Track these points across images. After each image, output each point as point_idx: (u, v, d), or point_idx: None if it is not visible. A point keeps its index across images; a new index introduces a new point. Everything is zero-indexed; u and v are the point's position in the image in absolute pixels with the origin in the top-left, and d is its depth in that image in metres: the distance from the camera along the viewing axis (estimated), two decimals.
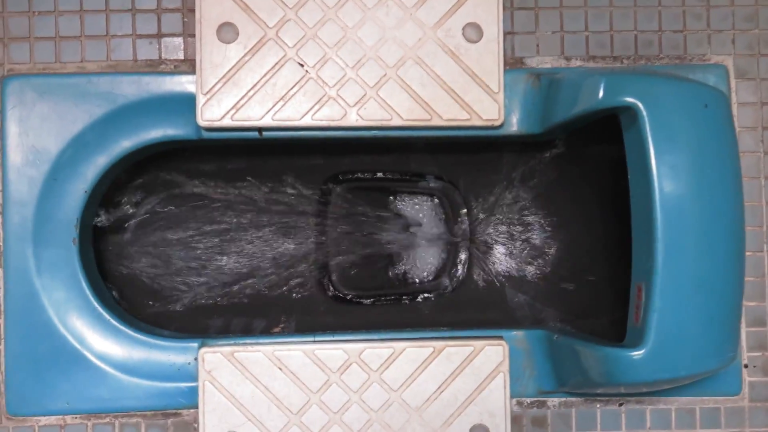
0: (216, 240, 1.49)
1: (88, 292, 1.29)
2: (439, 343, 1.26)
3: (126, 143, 1.27)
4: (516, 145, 1.45)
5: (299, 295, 1.49)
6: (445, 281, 1.51)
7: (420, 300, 1.50)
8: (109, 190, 1.39)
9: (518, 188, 1.50)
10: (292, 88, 1.22)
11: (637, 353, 1.09)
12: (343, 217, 1.51)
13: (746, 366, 1.30)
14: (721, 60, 1.32)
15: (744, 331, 1.32)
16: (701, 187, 1.09)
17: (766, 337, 1.33)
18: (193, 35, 1.27)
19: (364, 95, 1.23)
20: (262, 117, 1.22)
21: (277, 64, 1.23)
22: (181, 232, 1.48)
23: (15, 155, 1.25)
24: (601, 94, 1.11)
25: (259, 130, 1.24)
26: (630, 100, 1.09)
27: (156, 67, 1.28)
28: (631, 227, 1.15)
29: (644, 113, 1.08)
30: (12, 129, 1.25)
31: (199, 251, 1.48)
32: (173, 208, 1.48)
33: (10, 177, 1.25)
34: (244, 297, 1.48)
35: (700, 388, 1.29)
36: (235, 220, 1.49)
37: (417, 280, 1.53)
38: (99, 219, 1.41)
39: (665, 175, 1.08)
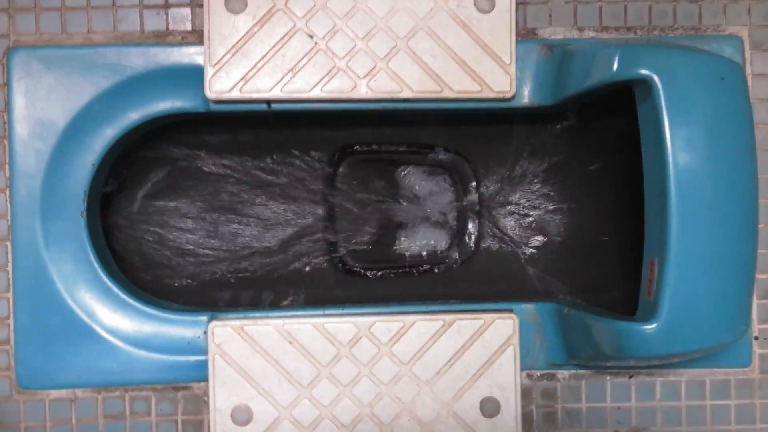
0: (223, 213, 1.49)
1: (96, 265, 1.29)
2: (449, 317, 1.26)
3: (133, 115, 1.27)
4: (527, 118, 1.44)
5: (308, 268, 1.50)
6: (455, 254, 1.52)
7: (429, 273, 1.50)
8: (116, 162, 1.39)
9: (529, 161, 1.50)
10: (301, 60, 1.22)
11: (649, 327, 1.09)
12: (353, 190, 1.52)
13: (756, 338, 1.30)
14: (737, 31, 1.30)
15: (755, 303, 1.31)
16: (716, 160, 1.09)
17: None
18: (201, 5, 1.26)
19: (374, 67, 1.23)
20: (271, 89, 1.22)
21: (286, 35, 1.22)
22: (189, 205, 1.48)
23: (22, 128, 1.24)
24: (615, 66, 1.11)
25: (268, 102, 1.23)
26: (645, 72, 1.08)
27: (163, 38, 1.27)
28: (644, 201, 1.15)
29: (659, 86, 1.08)
30: (18, 101, 1.24)
31: (207, 225, 1.49)
32: (181, 181, 1.48)
33: (17, 149, 1.25)
34: (253, 270, 1.49)
35: (710, 361, 1.30)
36: (242, 193, 1.50)
37: (426, 253, 1.53)
38: (107, 187, 1.41)
39: (680, 149, 1.07)
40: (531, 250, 1.51)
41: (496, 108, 1.27)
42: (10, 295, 1.27)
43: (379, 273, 1.49)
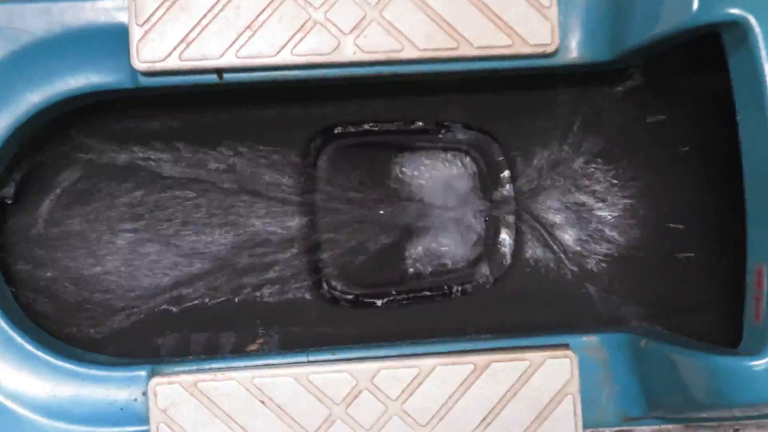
0: (164, 226, 1.50)
1: None
2: (481, 358, 1.27)
3: (34, 98, 1.27)
4: (576, 79, 1.45)
5: (282, 297, 1.50)
6: (484, 270, 1.52)
7: (451, 298, 1.51)
8: (12, 162, 1.40)
9: (580, 138, 1.50)
10: (262, 13, 1.22)
11: (759, 363, 1.09)
12: (339, 187, 1.52)
13: None
14: None
15: None
16: None
17: None
18: None
19: (364, 18, 1.23)
20: (223, 54, 1.22)
21: None
22: (116, 216, 1.49)
23: None
24: (695, 5, 1.11)
25: (219, 72, 1.24)
26: (736, 12, 1.08)
27: None
28: (744, 188, 1.14)
29: (756, 30, 1.07)
30: None
31: (142, 242, 1.49)
32: (103, 185, 1.48)
33: None
34: (207, 302, 1.50)
35: None
36: (190, 198, 1.50)
37: (445, 271, 1.54)
38: (0, 197, 1.42)
39: None
40: (589, 260, 1.52)
41: (533, 68, 1.28)
42: None
43: (381, 301, 1.50)
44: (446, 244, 1.54)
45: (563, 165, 1.51)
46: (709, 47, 1.15)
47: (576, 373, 1.26)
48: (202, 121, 1.48)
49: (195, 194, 1.50)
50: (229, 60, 1.23)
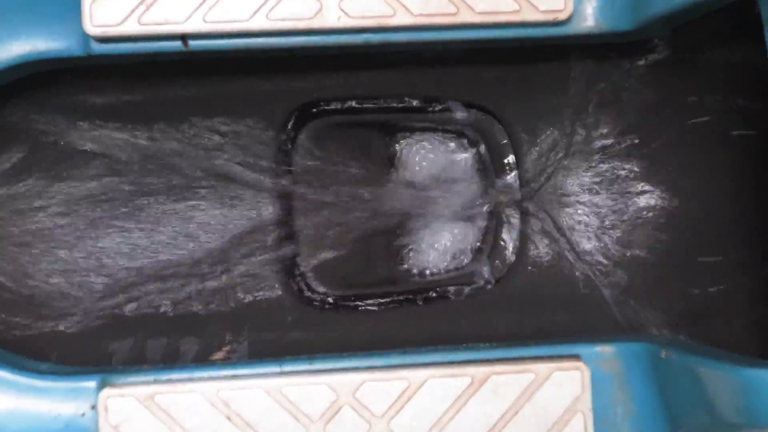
0: (117, 215, 1.47)
1: None
2: (480, 369, 1.25)
3: None
4: (592, 52, 1.45)
5: (252, 298, 1.48)
6: (484, 269, 1.50)
7: (446, 300, 1.50)
8: None
9: (596, 119, 1.49)
10: None
11: None
12: (320, 172, 1.51)
13: None
14: None
15: None
16: None
17: None
18: None
19: None
20: (187, 18, 1.21)
21: None
22: (62, 203, 1.46)
23: None
24: None
25: (184, 38, 1.23)
26: None
27: None
28: None
29: None
30: None
31: (92, 234, 1.47)
32: (48, 166, 1.46)
33: None
34: (166, 303, 1.47)
35: None
36: (148, 184, 1.48)
37: (440, 270, 1.53)
38: None
39: None
40: (604, 260, 1.50)
41: (543, 38, 1.28)
42: None
43: (367, 304, 1.48)
44: (442, 240, 1.53)
45: (576, 150, 1.49)
46: (743, 15, 1.14)
47: (588, 388, 1.24)
48: (164, 97, 1.47)
49: (154, 179, 1.48)
50: (196, 25, 1.22)
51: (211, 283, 1.49)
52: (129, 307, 1.47)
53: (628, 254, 1.50)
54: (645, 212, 1.49)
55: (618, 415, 1.28)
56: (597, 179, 1.50)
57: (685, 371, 1.23)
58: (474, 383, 1.24)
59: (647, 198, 1.50)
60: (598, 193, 1.50)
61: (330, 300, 1.49)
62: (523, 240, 1.50)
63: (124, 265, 1.47)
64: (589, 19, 1.27)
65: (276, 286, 1.49)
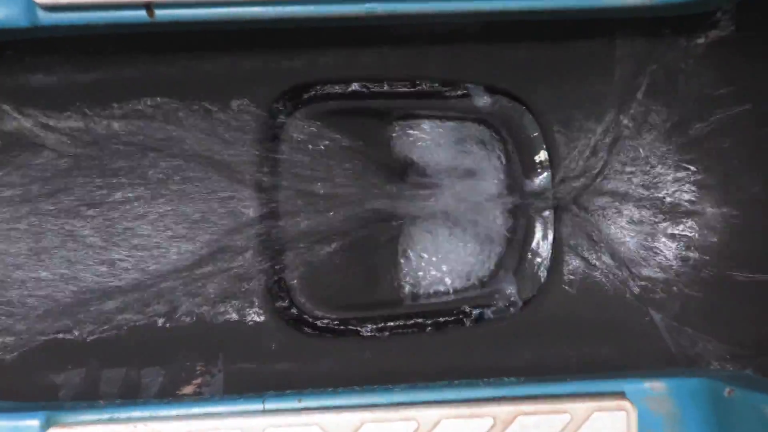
0: (68, 217, 1.44)
1: None
2: (504, 409, 1.22)
3: None
4: (642, 27, 1.43)
5: (230, 320, 1.45)
6: (509, 289, 1.48)
7: (463, 326, 1.47)
8: None
9: (646, 108, 1.46)
10: None
11: None
12: (313, 168, 1.47)
13: None
14: None
15: None
16: None
17: None
18: None
19: None
20: None
21: None
22: (5, 204, 1.43)
23: None
24: None
25: (149, 6, 1.21)
26: None
27: None
28: None
29: None
30: None
31: (37, 240, 1.43)
32: None
33: None
34: (125, 326, 1.44)
35: None
36: (104, 179, 1.44)
37: (455, 289, 1.51)
38: None
39: None
40: (655, 279, 1.46)
41: (583, 9, 1.25)
42: None
43: (368, 329, 1.46)
44: (458, 253, 1.51)
45: (621, 146, 1.47)
46: None
47: (635, 429, 1.22)
48: (126, 78, 1.46)
49: (112, 176, 1.45)
50: None
51: (180, 301, 1.45)
52: (80, 330, 1.43)
53: (684, 273, 1.48)
54: (704, 222, 1.48)
55: None
56: (647, 182, 1.48)
57: (751, 412, 1.22)
58: (497, 425, 1.23)
59: (707, 206, 1.48)
60: (648, 199, 1.49)
61: (322, 323, 1.47)
62: (557, 254, 1.49)
63: (72, 278, 1.44)
64: None
65: (257, 304, 1.46)
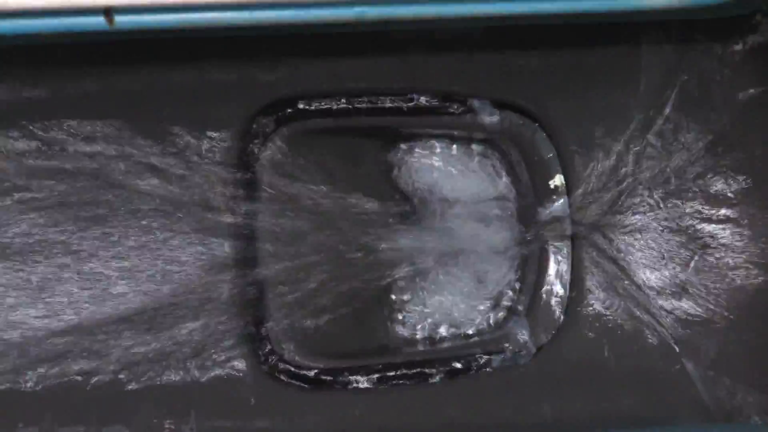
0: (12, 251, 1.37)
1: None
2: None
3: None
4: (669, 31, 1.38)
5: (203, 372, 1.39)
6: (521, 332, 1.43)
7: (468, 376, 1.41)
8: None
9: (677, 123, 1.41)
10: None
11: None
12: (296, 197, 1.42)
13: None
14: None
15: None
16: None
17: None
18: None
19: None
20: None
21: None
22: None
23: None
24: None
25: (108, 12, 1.16)
26: None
27: None
28: None
29: None
30: None
31: None
32: None
33: None
34: (77, 377, 1.38)
35: None
36: (56, 209, 1.38)
37: (460, 334, 1.46)
38: None
39: None
40: (688, 323, 1.41)
41: (605, 12, 1.20)
42: None
43: (360, 381, 1.39)
44: (462, 292, 1.45)
45: (648, 168, 1.41)
46: None
47: None
48: (81, 93, 1.40)
49: (63, 208, 1.38)
50: None
51: (147, 348, 1.39)
52: (31, 381, 1.37)
53: (719, 314, 1.42)
54: (745, 257, 1.42)
55: None
56: (677, 210, 1.43)
57: None
58: None
59: (745, 237, 1.42)
60: (679, 229, 1.43)
61: (309, 374, 1.42)
62: (576, 292, 1.43)
63: (21, 320, 1.38)
64: None
65: (235, 353, 1.40)
